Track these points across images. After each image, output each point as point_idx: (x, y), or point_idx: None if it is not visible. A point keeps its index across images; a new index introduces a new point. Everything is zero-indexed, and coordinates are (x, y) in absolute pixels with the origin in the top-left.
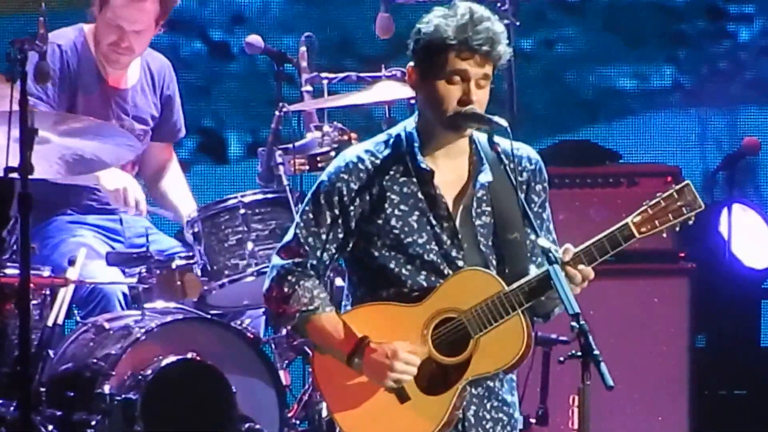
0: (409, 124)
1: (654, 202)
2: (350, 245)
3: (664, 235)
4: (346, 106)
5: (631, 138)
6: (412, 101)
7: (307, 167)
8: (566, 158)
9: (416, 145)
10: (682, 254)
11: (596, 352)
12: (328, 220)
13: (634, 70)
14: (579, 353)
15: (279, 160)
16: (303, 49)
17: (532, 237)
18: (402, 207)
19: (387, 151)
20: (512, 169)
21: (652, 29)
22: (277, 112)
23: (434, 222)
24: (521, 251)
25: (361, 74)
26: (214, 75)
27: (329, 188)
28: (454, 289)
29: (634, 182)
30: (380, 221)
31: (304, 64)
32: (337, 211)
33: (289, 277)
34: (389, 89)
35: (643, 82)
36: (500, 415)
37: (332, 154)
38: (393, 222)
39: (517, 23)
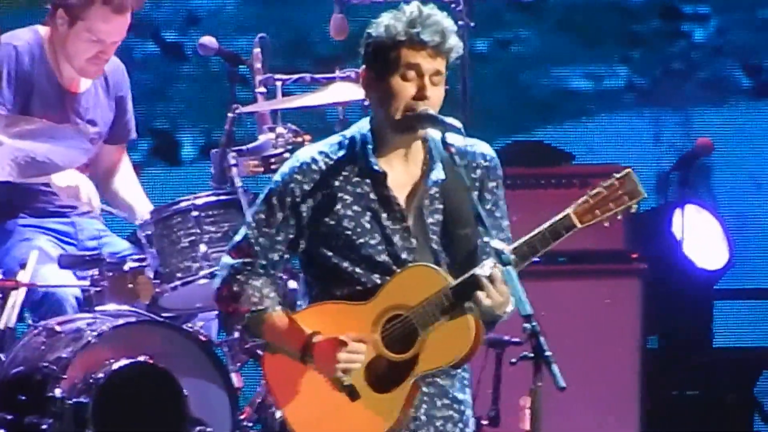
0: (364, 125)
1: (595, 191)
2: (301, 246)
3: (606, 224)
4: (300, 108)
5: (585, 139)
6: (366, 103)
7: (261, 169)
8: (520, 159)
9: (370, 146)
10: (635, 255)
11: (548, 353)
12: (280, 221)
13: (589, 71)
14: (531, 354)
15: (232, 161)
16: (257, 50)
17: (486, 238)
18: (354, 208)
19: (341, 153)
20: (465, 166)
21: (606, 30)
22: (230, 114)
23: (386, 223)
24: (471, 247)
25: (316, 75)
26: (168, 76)
27: (281, 189)
28: (401, 285)
29: (587, 183)
30: (332, 222)
31: (258, 65)
32: (288, 212)
33: (239, 277)
34: (343, 90)
35: (597, 82)
36: (451, 412)
37: (286, 155)
38: (345, 223)
39: (472, 24)
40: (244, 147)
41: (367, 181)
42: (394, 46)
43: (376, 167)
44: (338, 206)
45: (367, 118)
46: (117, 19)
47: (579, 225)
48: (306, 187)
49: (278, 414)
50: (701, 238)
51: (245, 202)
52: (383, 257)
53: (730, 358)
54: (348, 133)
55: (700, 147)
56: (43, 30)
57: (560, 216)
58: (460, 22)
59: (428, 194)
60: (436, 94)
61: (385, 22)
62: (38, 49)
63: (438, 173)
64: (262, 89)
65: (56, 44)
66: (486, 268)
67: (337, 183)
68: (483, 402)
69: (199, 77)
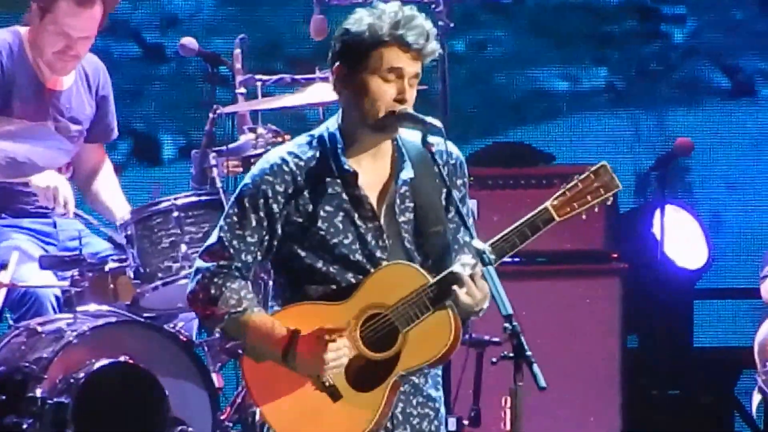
0: (332, 124)
1: (572, 184)
2: (275, 247)
3: (584, 216)
4: (280, 108)
5: (561, 139)
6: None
7: (241, 169)
8: (500, 160)
9: (340, 146)
10: (615, 254)
11: (529, 353)
12: (253, 223)
13: (566, 72)
14: (512, 354)
15: (212, 162)
16: (237, 51)
17: (466, 238)
18: (327, 208)
19: (310, 153)
20: (442, 165)
21: (583, 31)
22: (210, 114)
23: (359, 222)
24: (443, 244)
25: (295, 76)
26: (147, 77)
27: (253, 191)
28: (379, 284)
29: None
30: (306, 223)
31: (238, 66)
32: (262, 214)
33: (216, 280)
34: (323, 91)
35: (574, 83)
36: (426, 410)
37: None
38: (319, 223)
39: (451, 24)
40: (224, 147)
41: (338, 181)
42: (376, 46)
43: (346, 167)
44: (311, 206)
45: (335, 117)
46: (82, 12)
47: (557, 218)
48: (278, 188)
49: (258, 413)
50: (680, 237)
51: (226, 203)
52: (357, 256)
53: (710, 357)
54: (316, 132)
55: (679, 147)
56: (23, 30)
57: (538, 210)
58: (440, 23)
59: (398, 193)
60: (412, 96)
61: (367, 20)
62: (18, 48)
63: (407, 172)
64: (243, 90)
65: (32, 41)
66: (466, 267)
67: (308, 183)
68: (464, 402)
69: (179, 78)
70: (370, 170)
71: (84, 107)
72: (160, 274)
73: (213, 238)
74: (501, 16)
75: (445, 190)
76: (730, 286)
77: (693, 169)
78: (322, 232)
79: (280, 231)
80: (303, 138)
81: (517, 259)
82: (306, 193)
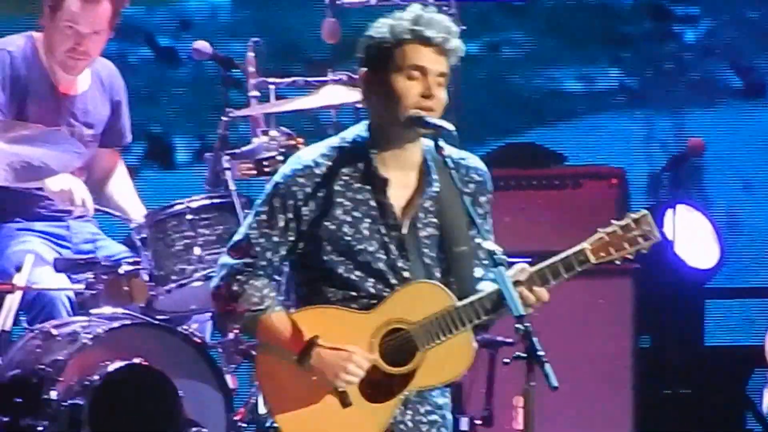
0: (362, 129)
1: (611, 230)
2: (300, 248)
3: (618, 262)
4: (293, 111)
5: (576, 140)
6: (359, 105)
7: (255, 172)
8: (511, 161)
9: (372, 152)
10: None
11: (541, 353)
12: (281, 223)
13: (580, 72)
14: (524, 355)
15: (226, 165)
16: (251, 54)
17: (477, 240)
18: (354, 214)
19: (341, 157)
20: (460, 177)
21: (597, 31)
22: (224, 118)
23: (384, 231)
24: (469, 264)
25: (308, 79)
26: (162, 81)
27: (284, 191)
28: (405, 300)
29: (578, 184)
30: (332, 227)
31: (251, 69)
32: (290, 215)
33: (239, 277)
34: (336, 93)
35: (588, 84)
36: (434, 417)
37: (279, 158)
38: (345, 228)
39: (463, 27)
40: (237, 150)
41: (368, 187)
42: (398, 45)
43: (379, 173)
44: (338, 211)
45: (365, 122)
46: (89, 7)
47: (593, 261)
48: (308, 190)
49: (264, 408)
50: (693, 237)
51: (239, 205)
52: (380, 265)
53: (721, 356)
54: (346, 135)
55: (692, 147)
56: (37, 35)
57: (575, 250)
58: None
59: (422, 207)
60: (441, 95)
61: (389, 23)
62: (32, 53)
63: (433, 187)
64: (256, 93)
65: (45, 43)
66: (522, 272)
67: (337, 187)
68: (476, 402)
69: (192, 81)
70: (398, 180)
71: (98, 111)
72: (174, 277)
73: (240, 235)
74: (515, 18)
75: (465, 199)
76: (743, 285)
77: (707, 169)
78: (348, 238)
79: (305, 232)
80: (334, 141)
81: (528, 260)
82: (334, 197)
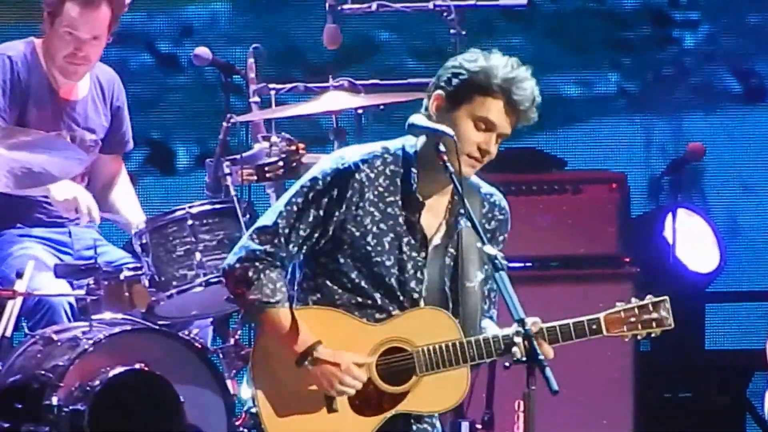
0: (409, 144)
1: (629, 307)
2: (320, 244)
3: (626, 339)
4: (294, 117)
5: (576, 145)
6: (360, 111)
7: (255, 177)
8: (512, 165)
9: (414, 171)
10: (627, 259)
11: (541, 357)
12: (310, 218)
13: (579, 77)
14: (524, 358)
15: (227, 170)
16: (251, 60)
17: (478, 244)
18: (381, 226)
19: (382, 166)
20: (484, 213)
21: (597, 37)
22: (224, 123)
23: (405, 249)
24: (476, 301)
25: (309, 85)
26: (162, 87)
27: (321, 188)
28: (413, 322)
29: (578, 189)
30: (357, 233)
31: (252, 75)
32: (322, 213)
33: (258, 264)
34: (337, 99)
35: (588, 89)
36: (425, 425)
37: (280, 164)
38: (369, 238)
39: (463, 33)
40: (238, 156)
41: (400, 203)
42: (484, 92)
43: (417, 195)
44: (367, 220)
45: (416, 139)
46: (88, 12)
47: (605, 333)
48: (344, 192)
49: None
50: (693, 241)
51: (240, 211)
52: (392, 281)
53: (722, 360)
54: (391, 146)
55: (691, 152)
56: (37, 41)
57: (590, 318)
58: (452, 31)
59: (449, 237)
60: (494, 152)
61: (483, 63)
62: (33, 59)
63: (464, 220)
64: (256, 99)
65: (46, 49)
66: (534, 325)
67: (371, 197)
68: (477, 406)
69: (193, 87)
70: (433, 202)
71: (99, 117)
72: (175, 282)
73: (269, 220)
74: (515, 23)
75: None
76: (744, 289)
77: (707, 174)
78: (369, 248)
79: (331, 232)
80: (377, 148)
81: (529, 264)
82: (367, 205)
